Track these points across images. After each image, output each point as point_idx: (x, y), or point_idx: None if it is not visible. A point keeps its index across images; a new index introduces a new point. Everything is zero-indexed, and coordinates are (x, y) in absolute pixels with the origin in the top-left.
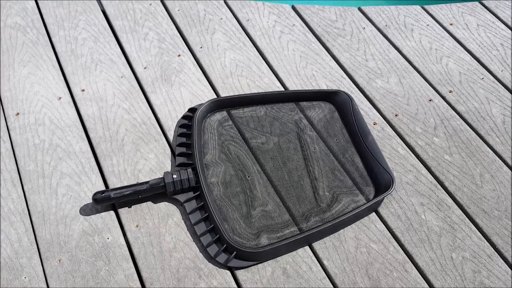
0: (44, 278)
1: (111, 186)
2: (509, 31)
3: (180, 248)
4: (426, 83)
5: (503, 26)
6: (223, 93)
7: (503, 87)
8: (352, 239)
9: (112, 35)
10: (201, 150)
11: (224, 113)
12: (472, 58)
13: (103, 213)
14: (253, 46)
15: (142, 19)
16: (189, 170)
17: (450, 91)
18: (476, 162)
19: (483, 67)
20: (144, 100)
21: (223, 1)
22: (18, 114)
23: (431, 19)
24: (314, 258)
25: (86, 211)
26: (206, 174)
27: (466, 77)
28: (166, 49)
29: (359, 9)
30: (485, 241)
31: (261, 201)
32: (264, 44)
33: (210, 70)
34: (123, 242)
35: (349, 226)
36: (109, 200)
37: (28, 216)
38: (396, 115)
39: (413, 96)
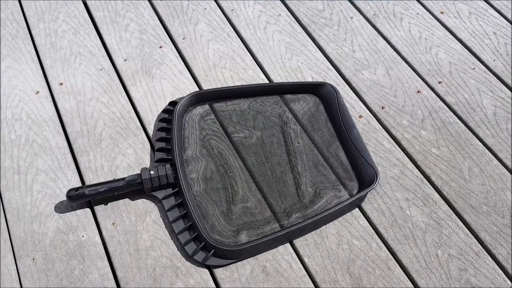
0: (17, 277)
1: (87, 183)
2: (503, 19)
3: (157, 246)
4: (415, 74)
5: (496, 14)
6: (206, 86)
7: (495, 78)
8: (333, 236)
9: (92, 26)
10: (181, 145)
11: (206, 107)
12: (463, 48)
13: (78, 211)
14: (237, 37)
15: (124, 9)
16: (168, 166)
17: (440, 82)
18: (464, 155)
19: (475, 56)
20: (124, 94)
21: None
22: None
23: (421, 7)
24: (294, 255)
25: (61, 208)
26: (186, 170)
27: (457, 67)
28: (147, 41)
29: None
30: (473, 237)
31: (242, 197)
32: (248, 35)
33: (192, 62)
34: (99, 241)
35: (331, 223)
36: (84, 198)
37: (2, 213)
38: (382, 108)
39: (400, 88)
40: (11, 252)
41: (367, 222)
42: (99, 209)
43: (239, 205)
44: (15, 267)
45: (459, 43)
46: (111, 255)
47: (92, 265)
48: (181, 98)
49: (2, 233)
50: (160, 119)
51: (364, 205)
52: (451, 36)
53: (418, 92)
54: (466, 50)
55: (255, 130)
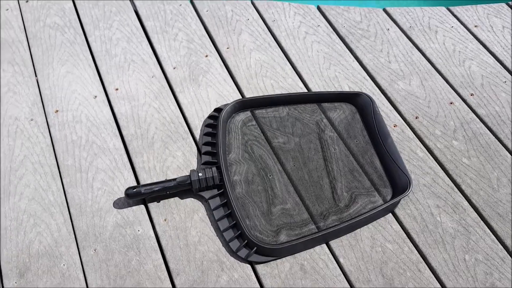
0: (81, 266)
1: (141, 182)
2: None
3: (205, 242)
4: (448, 86)
5: None
6: (248, 94)
7: None
8: (368, 239)
9: (144, 35)
10: (226, 149)
11: (248, 113)
12: (496, 61)
13: (134, 207)
14: (278, 46)
15: (173, 19)
16: (214, 168)
17: (472, 94)
18: (494, 166)
19: (506, 70)
20: (173, 100)
21: (250, 2)
22: (57, 111)
23: (456, 20)
24: (330, 255)
25: (119, 204)
26: (230, 172)
27: (488, 80)
28: (194, 50)
29: (384, 10)
30: (499, 244)
31: (281, 200)
32: (288, 45)
33: (235, 71)
34: (152, 235)
35: (365, 226)
36: (140, 195)
37: (66, 208)
38: (416, 118)
39: (434, 99)
40: (75, 243)
41: (399, 227)
42: (152, 206)
43: (278, 206)
44: (78, 257)
45: (491, 57)
46: (164, 248)
47: (147, 257)
48: (225, 105)
49: (67, 226)
50: (206, 125)
51: (397, 210)
52: (484, 50)
53: (451, 103)
54: (498, 64)
55: (293, 136)
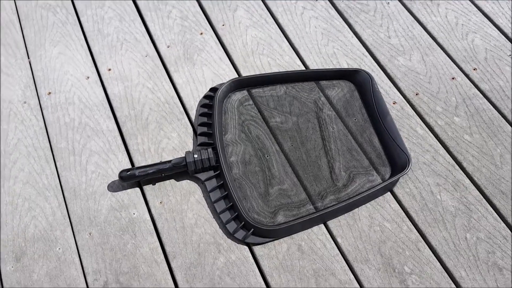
0: (76, 250)
1: (136, 164)
2: None
3: (201, 224)
4: (450, 61)
5: None
6: (244, 72)
7: None
8: (366, 218)
9: (137, 13)
10: (222, 130)
11: (245, 93)
12: (500, 34)
13: (129, 190)
14: (274, 23)
15: None
16: (210, 149)
17: (475, 69)
18: (497, 142)
19: (511, 43)
20: (168, 79)
21: None
22: (50, 93)
23: None
24: (328, 235)
25: (113, 187)
26: (226, 153)
27: (492, 53)
28: (188, 27)
29: None
30: (502, 222)
31: (279, 180)
32: (286, 21)
33: (231, 49)
34: (148, 218)
35: (363, 205)
36: (134, 178)
37: (61, 191)
38: (416, 94)
39: (435, 74)
40: (70, 227)
41: (398, 206)
42: (147, 188)
43: (275, 187)
44: (74, 240)
45: (496, 29)
46: (160, 231)
47: (143, 240)
48: (221, 84)
49: (62, 210)
50: (202, 105)
51: (396, 189)
52: (488, 22)
53: (453, 78)
54: (503, 36)
55: (291, 115)
